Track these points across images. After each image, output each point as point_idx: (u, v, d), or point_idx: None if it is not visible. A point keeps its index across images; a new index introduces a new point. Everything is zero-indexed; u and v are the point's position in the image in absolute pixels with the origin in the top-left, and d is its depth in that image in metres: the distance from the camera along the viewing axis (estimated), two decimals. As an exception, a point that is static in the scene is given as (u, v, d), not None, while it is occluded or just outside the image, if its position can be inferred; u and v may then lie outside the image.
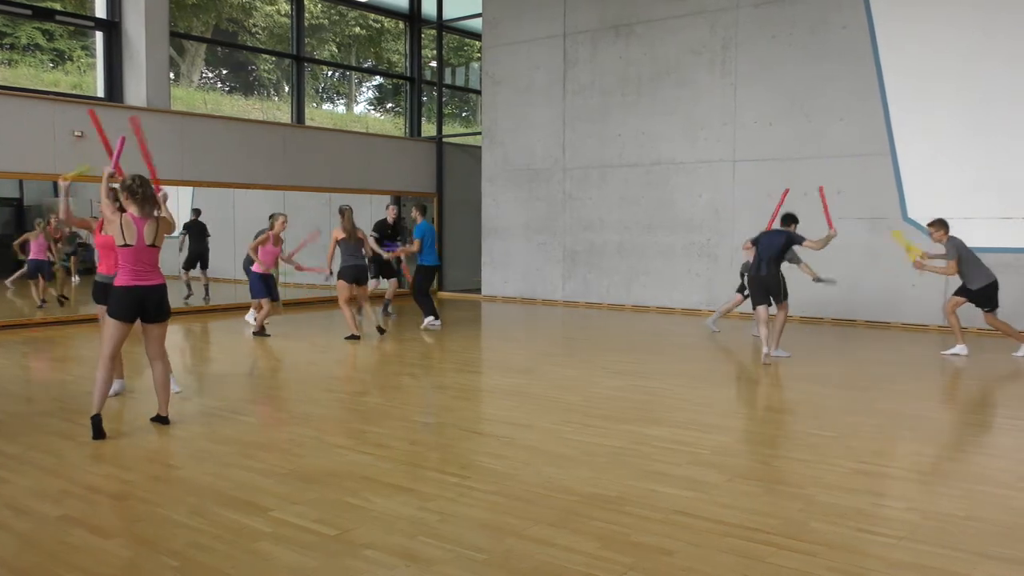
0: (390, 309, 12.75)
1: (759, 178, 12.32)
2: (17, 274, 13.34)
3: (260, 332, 10.31)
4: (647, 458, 5.00)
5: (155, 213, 5.57)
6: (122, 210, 5.58)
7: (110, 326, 5.48)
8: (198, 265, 14.08)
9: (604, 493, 4.33)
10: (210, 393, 6.91)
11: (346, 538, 3.72)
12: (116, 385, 6.97)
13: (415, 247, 11.19)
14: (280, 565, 3.44)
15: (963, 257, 8.87)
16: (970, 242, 10.31)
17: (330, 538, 3.72)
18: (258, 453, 5.12)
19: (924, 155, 11.05)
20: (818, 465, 4.87)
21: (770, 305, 8.63)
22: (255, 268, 10.16)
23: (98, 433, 5.37)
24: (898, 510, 4.15)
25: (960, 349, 8.98)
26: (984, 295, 8.88)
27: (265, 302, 10.24)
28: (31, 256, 12.84)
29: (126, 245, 5.42)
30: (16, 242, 13.28)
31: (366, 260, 10.47)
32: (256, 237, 10.29)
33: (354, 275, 10.10)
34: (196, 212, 14.32)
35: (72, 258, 14.91)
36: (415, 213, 11.47)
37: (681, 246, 13.18)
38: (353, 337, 9.98)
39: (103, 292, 6.24)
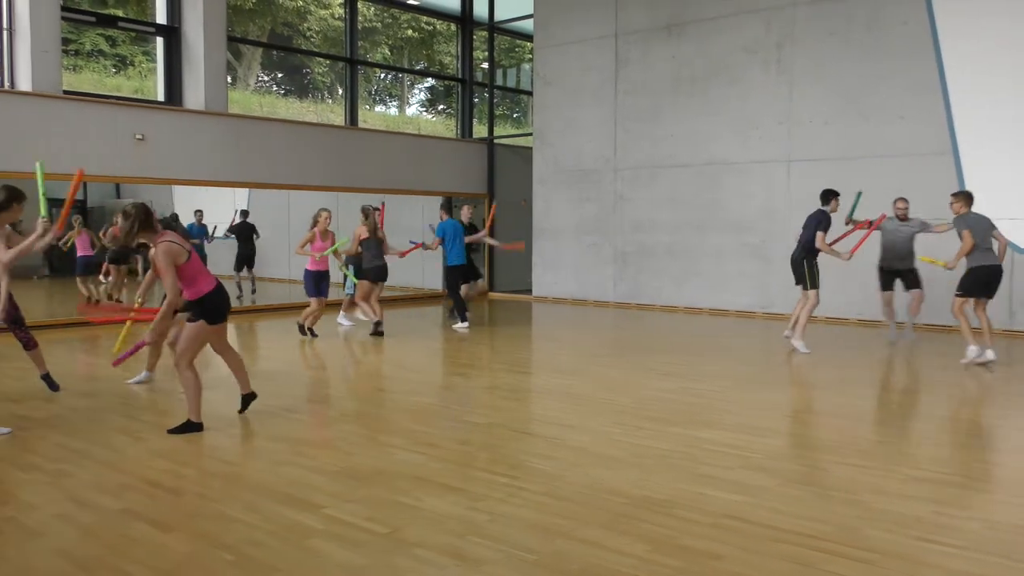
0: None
1: (815, 178, 12.09)
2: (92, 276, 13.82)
3: (308, 332, 10.20)
4: (697, 461, 4.95)
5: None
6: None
7: (206, 331, 5.62)
8: (244, 267, 14.44)
9: (653, 496, 4.30)
10: (263, 391, 7.02)
11: (396, 536, 3.75)
12: (143, 375, 7.20)
13: (434, 246, 11.36)
14: (331, 562, 3.49)
15: (974, 231, 8.04)
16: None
17: (381, 536, 3.76)
18: (310, 451, 5.20)
19: (988, 154, 10.73)
20: (874, 471, 4.77)
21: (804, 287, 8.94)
22: (308, 266, 10.08)
23: (179, 431, 5.53)
24: (959, 519, 4.04)
25: (974, 351, 8.14)
26: (973, 278, 8.15)
27: (315, 301, 10.16)
28: (79, 253, 13.23)
29: (190, 255, 5.50)
30: (64, 241, 13.71)
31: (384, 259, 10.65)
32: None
33: (376, 274, 10.44)
34: (244, 214, 14.63)
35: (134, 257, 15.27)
36: (441, 212, 11.65)
37: (733, 247, 13.01)
38: (377, 326, 10.12)
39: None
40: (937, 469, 4.88)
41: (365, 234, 10.38)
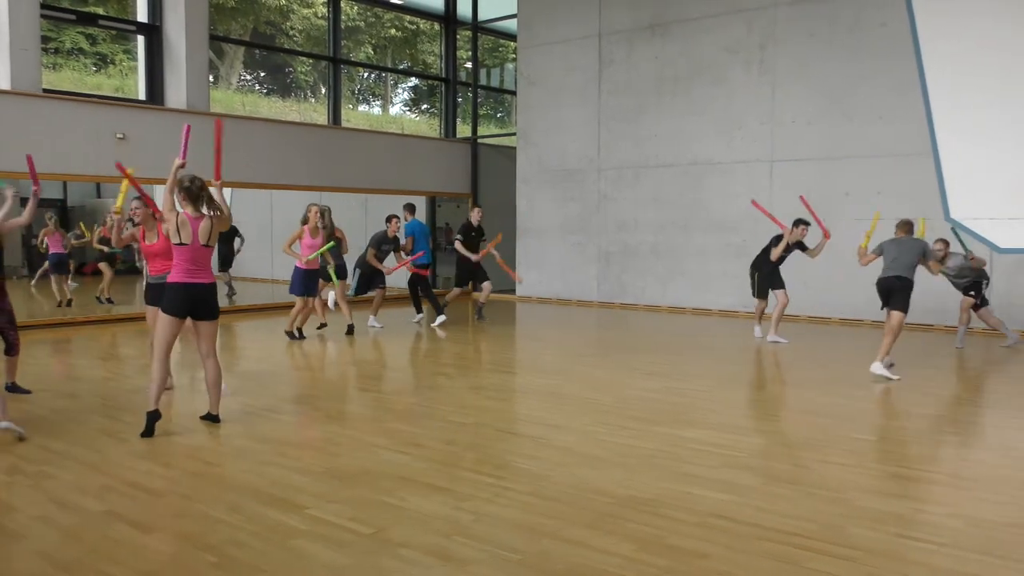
0: (483, 313, 12.19)
1: (798, 178, 12.17)
2: (40, 271, 13.85)
3: (293, 334, 9.97)
4: (682, 460, 4.97)
5: (210, 212, 5.63)
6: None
7: (163, 322, 5.55)
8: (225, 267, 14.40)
9: (639, 495, 4.31)
10: (247, 392, 6.98)
11: (381, 537, 3.74)
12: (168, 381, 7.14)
13: (408, 246, 11.36)
14: (315, 563, 3.47)
15: (885, 253, 7.97)
16: (1016, 243, 10.27)
17: (365, 536, 3.74)
18: (295, 451, 5.17)
19: (968, 154, 10.83)
20: (857, 469, 4.80)
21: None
22: (297, 264, 9.81)
23: (149, 431, 5.44)
24: (940, 516, 4.07)
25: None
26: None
27: (300, 301, 9.91)
28: (50, 251, 13.17)
29: (181, 244, 5.50)
30: (38, 240, 13.66)
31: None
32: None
33: (321, 272, 10.43)
34: None
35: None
36: (405, 213, 11.75)
37: (716, 247, 13.07)
38: (306, 331, 10.23)
39: (155, 293, 6.38)
40: (919, 467, 4.92)
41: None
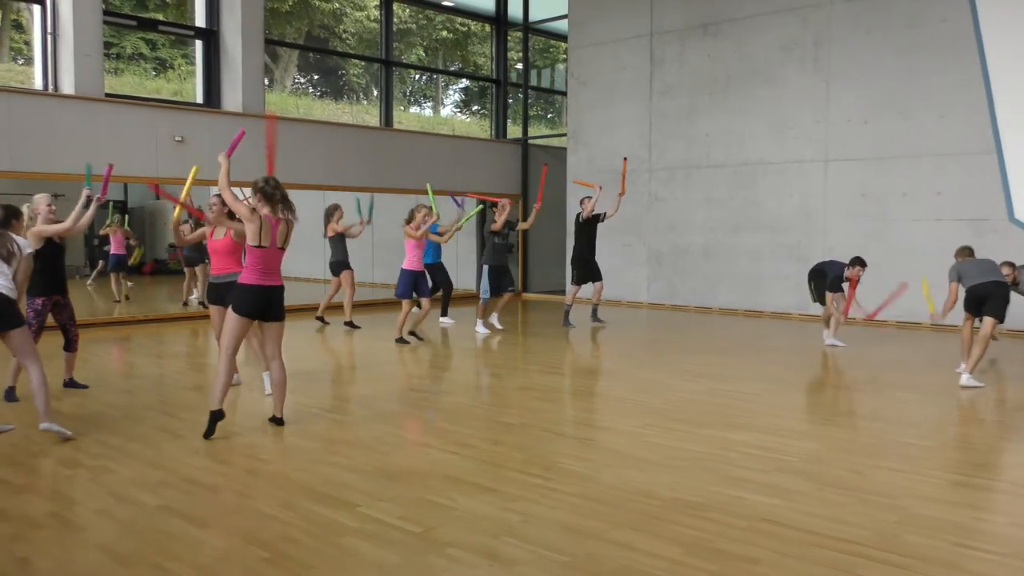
0: (598, 314, 11.85)
1: (853, 178, 11.94)
2: (96, 271, 14.38)
3: (411, 336, 9.74)
4: (731, 464, 4.91)
5: (285, 215, 5.60)
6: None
7: (233, 321, 5.58)
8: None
9: (687, 498, 4.27)
10: (298, 391, 7.09)
11: (430, 536, 3.76)
12: (234, 377, 7.32)
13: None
14: (365, 561, 3.51)
15: (963, 275, 7.64)
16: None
17: (414, 535, 3.77)
18: (345, 450, 5.23)
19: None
20: (914, 476, 4.69)
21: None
22: (405, 265, 9.61)
23: (211, 431, 5.46)
24: (1001, 525, 3.96)
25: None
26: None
27: (425, 302, 9.74)
28: (112, 251, 13.54)
29: (259, 247, 5.49)
30: (100, 237, 14.14)
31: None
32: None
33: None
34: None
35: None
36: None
37: (769, 248, 12.88)
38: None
39: (217, 293, 6.53)
40: (979, 475, 4.79)
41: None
